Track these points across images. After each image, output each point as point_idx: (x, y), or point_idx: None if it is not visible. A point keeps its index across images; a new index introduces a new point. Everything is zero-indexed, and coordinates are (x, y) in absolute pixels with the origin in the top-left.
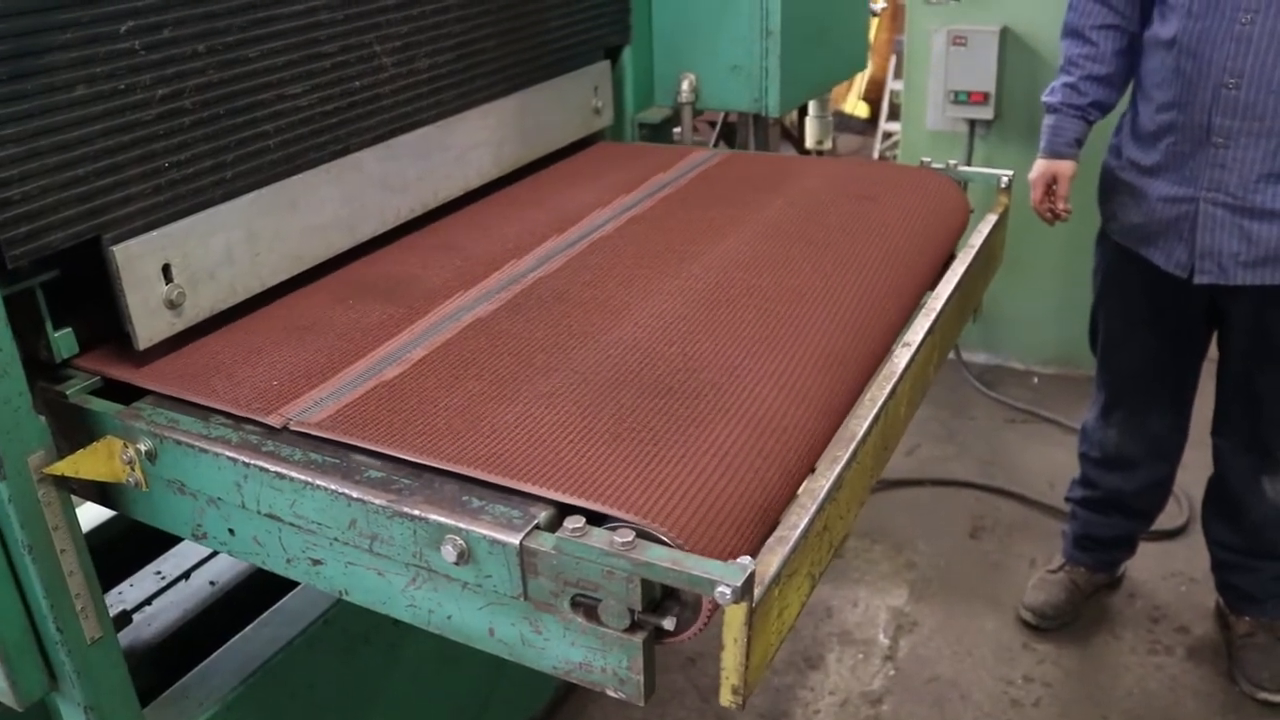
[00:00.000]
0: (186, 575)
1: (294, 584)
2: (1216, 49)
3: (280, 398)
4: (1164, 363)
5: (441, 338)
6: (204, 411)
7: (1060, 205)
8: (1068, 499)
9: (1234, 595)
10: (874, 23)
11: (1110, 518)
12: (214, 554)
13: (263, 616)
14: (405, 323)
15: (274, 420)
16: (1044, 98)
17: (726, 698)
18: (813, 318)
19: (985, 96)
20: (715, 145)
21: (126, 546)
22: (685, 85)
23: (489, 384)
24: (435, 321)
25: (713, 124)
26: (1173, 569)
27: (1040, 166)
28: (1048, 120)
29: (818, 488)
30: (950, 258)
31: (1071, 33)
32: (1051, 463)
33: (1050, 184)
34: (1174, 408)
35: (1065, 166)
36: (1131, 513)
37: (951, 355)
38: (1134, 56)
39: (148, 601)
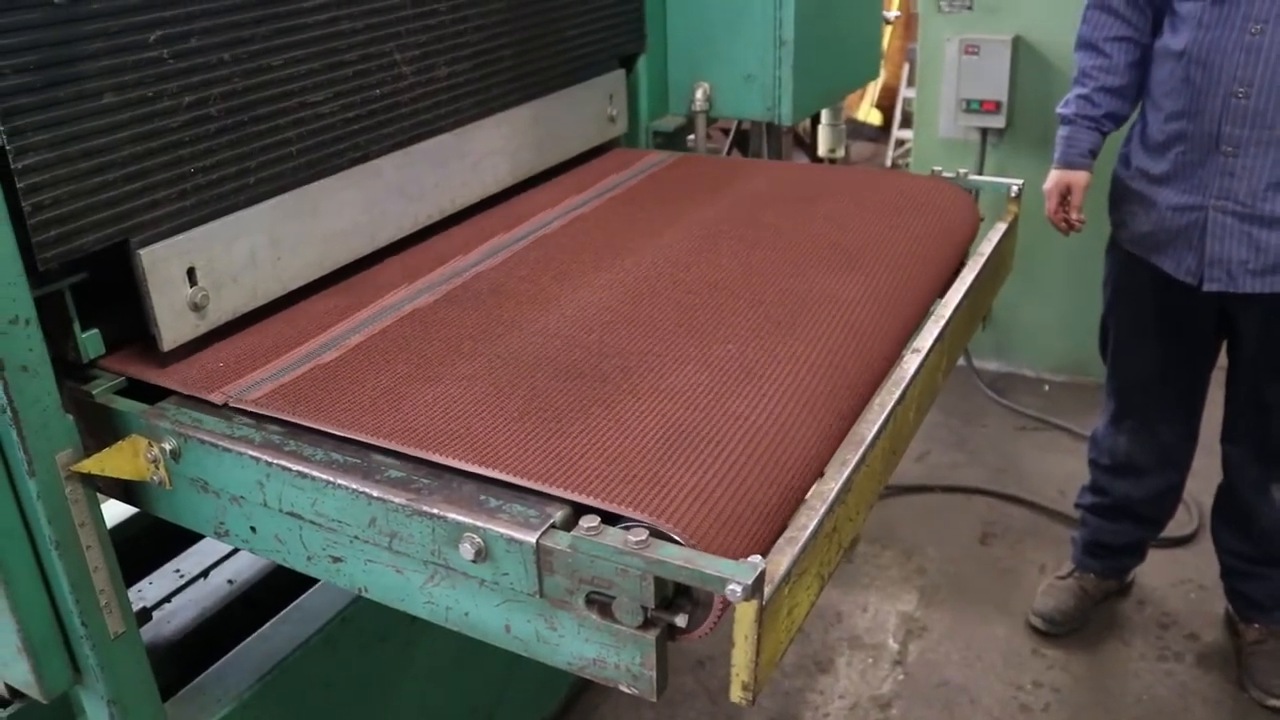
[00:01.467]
0: (205, 573)
1: (311, 583)
2: (1226, 59)
3: (225, 378)
4: (1174, 370)
5: (380, 326)
6: (227, 411)
7: (1074, 215)
8: (1077, 505)
9: (1243, 603)
10: (887, 30)
11: (1120, 524)
12: (232, 553)
13: (280, 615)
14: (350, 312)
15: (215, 398)
16: (1058, 109)
17: (737, 694)
18: (734, 307)
19: (997, 105)
20: (729, 153)
21: (146, 545)
22: (699, 94)
23: (416, 367)
24: (376, 311)
25: (726, 131)
26: (1182, 576)
27: (1055, 177)
28: (1062, 131)
29: (827, 490)
30: (960, 265)
31: (1085, 45)
32: (1062, 470)
33: (1064, 194)
34: (1183, 415)
35: (1079, 177)
36: (1141, 520)
37: (963, 362)
38: (1146, 68)
39: (167, 599)
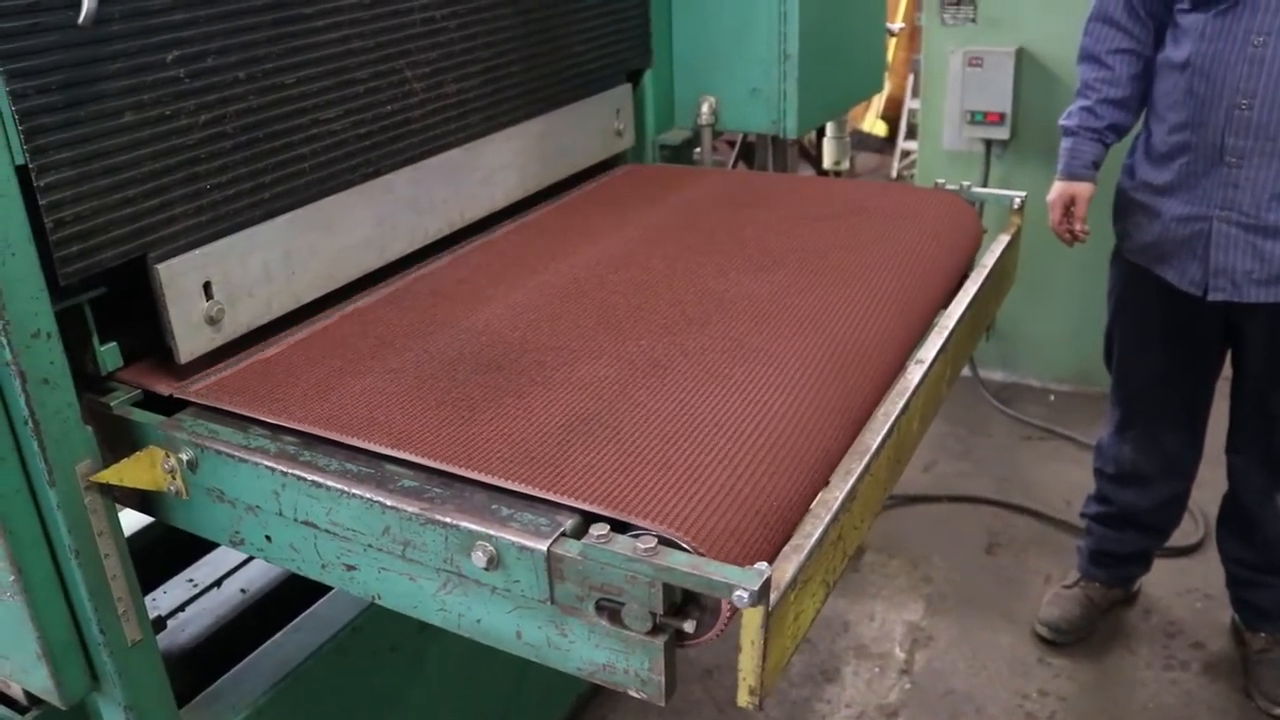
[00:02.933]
0: (218, 583)
1: (322, 593)
2: (1230, 70)
3: (179, 374)
4: (1178, 380)
5: (321, 324)
6: (243, 422)
7: (1078, 226)
8: (1083, 515)
9: (1249, 611)
10: (892, 42)
11: (1125, 534)
12: (245, 562)
13: (293, 624)
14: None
15: (162, 389)
16: (1061, 121)
17: (744, 698)
18: (655, 307)
19: (1001, 117)
20: (734, 166)
21: (159, 555)
22: (705, 107)
23: (348, 361)
24: (322, 311)
25: (732, 144)
26: (1188, 585)
27: (1058, 188)
28: (1065, 143)
29: (832, 498)
30: (964, 277)
31: (1087, 57)
32: (1067, 480)
33: (1068, 206)
34: (1188, 425)
35: (1083, 188)
36: (1146, 529)
37: (968, 373)
38: (1148, 80)
39: (181, 608)
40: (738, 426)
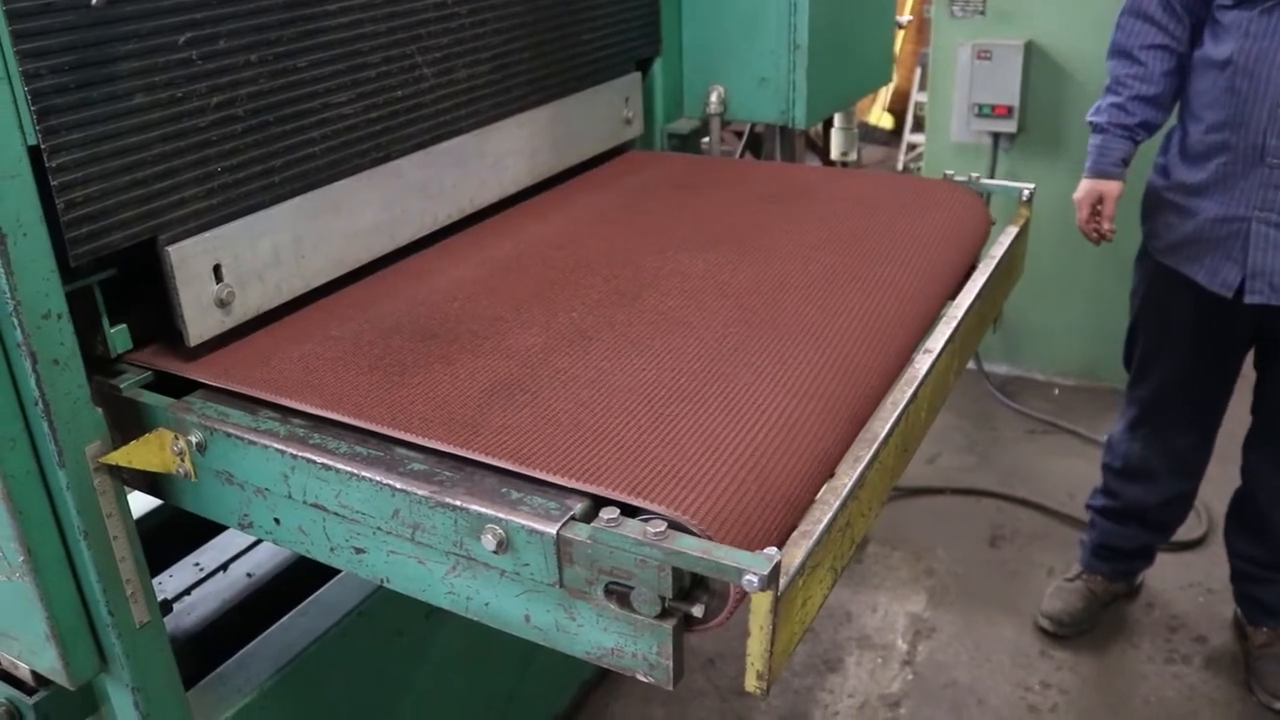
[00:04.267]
0: (225, 567)
1: (329, 577)
2: (1274, 69)
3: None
4: (1199, 383)
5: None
6: (252, 404)
7: (1106, 226)
8: (1088, 506)
9: (1252, 606)
10: (900, 35)
11: (1129, 528)
12: (252, 546)
13: (299, 608)
14: None
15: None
16: (1089, 117)
17: (752, 683)
18: (590, 284)
19: (1009, 110)
20: (742, 155)
21: (166, 538)
22: (714, 97)
23: (295, 329)
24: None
25: (739, 134)
26: (1191, 579)
27: (1086, 187)
28: (1094, 140)
29: (841, 485)
30: (971, 268)
31: (1119, 53)
32: (1071, 473)
33: (1096, 204)
34: (1203, 426)
35: (1112, 187)
36: (1151, 525)
37: (973, 366)
38: (1182, 77)
39: (187, 591)
40: (697, 399)
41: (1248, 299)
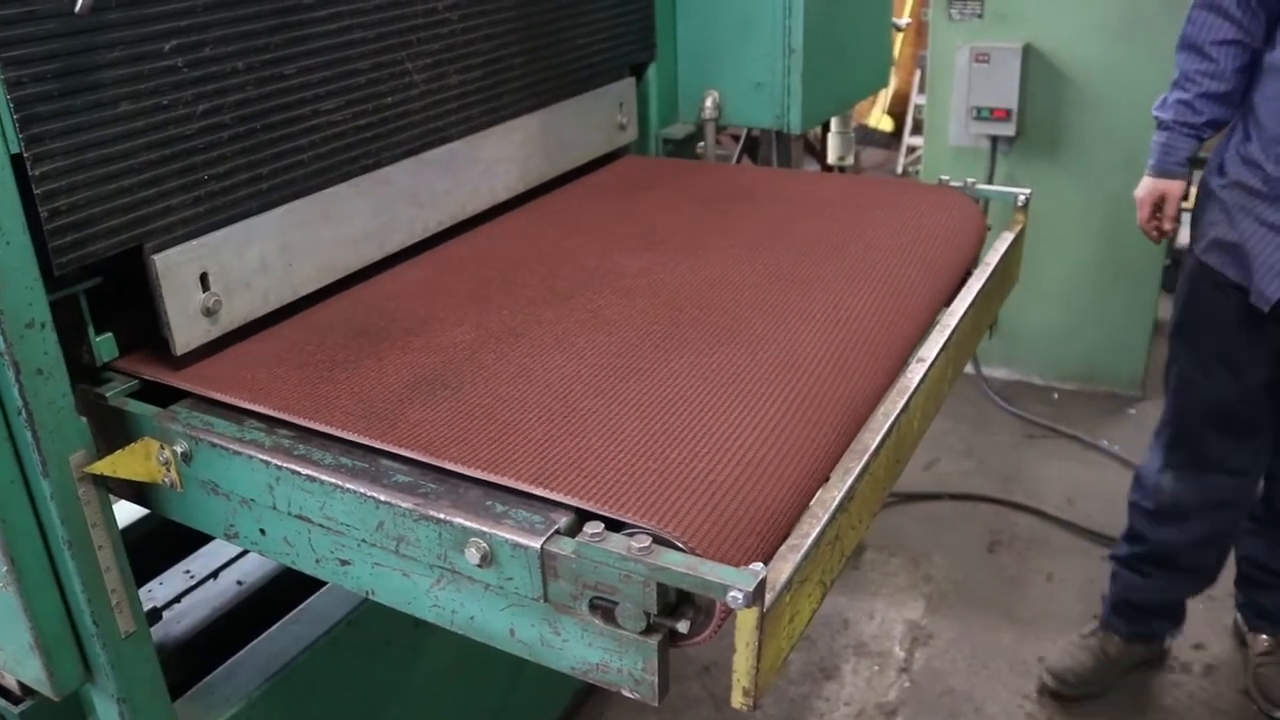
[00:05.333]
0: (214, 575)
1: (318, 586)
2: None
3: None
4: (1248, 407)
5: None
6: (238, 414)
7: (1168, 226)
8: (1111, 557)
9: (1255, 613)
10: (899, 37)
11: (1154, 579)
12: (241, 554)
13: (288, 617)
14: None
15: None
16: (1155, 111)
17: (738, 699)
18: (526, 282)
19: (1007, 113)
20: (738, 160)
21: (156, 546)
22: (709, 102)
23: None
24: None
25: (736, 138)
26: None
27: (1148, 185)
28: (1158, 137)
29: (830, 498)
30: (966, 274)
31: (1189, 46)
32: (1070, 478)
33: (1158, 203)
34: (1248, 457)
35: (1175, 186)
36: (1181, 572)
37: (971, 370)
38: (1253, 73)
39: (177, 599)
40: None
41: None
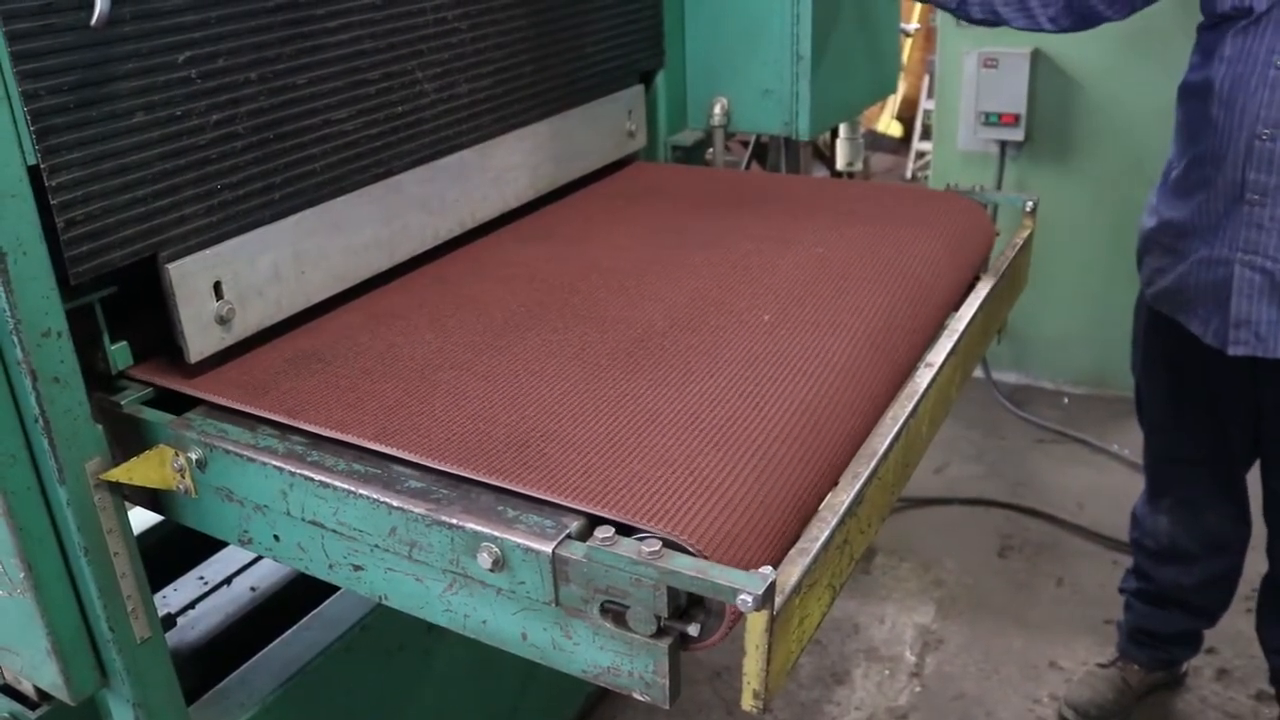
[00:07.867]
0: (228, 581)
1: (331, 591)
2: (1250, 97)
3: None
4: (1213, 446)
5: None
6: (252, 421)
7: None
8: (1121, 590)
9: None
10: (907, 43)
11: (1169, 612)
12: (255, 560)
13: (302, 622)
14: None
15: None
16: None
17: (748, 701)
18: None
19: (1016, 118)
20: (747, 167)
21: (170, 552)
22: (717, 108)
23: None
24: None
25: (745, 144)
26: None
27: None
28: None
29: (838, 502)
30: (975, 280)
31: None
32: (1081, 483)
33: None
34: (1228, 496)
35: None
36: (1192, 609)
37: (981, 375)
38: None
39: (191, 605)
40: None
41: (1231, 350)
